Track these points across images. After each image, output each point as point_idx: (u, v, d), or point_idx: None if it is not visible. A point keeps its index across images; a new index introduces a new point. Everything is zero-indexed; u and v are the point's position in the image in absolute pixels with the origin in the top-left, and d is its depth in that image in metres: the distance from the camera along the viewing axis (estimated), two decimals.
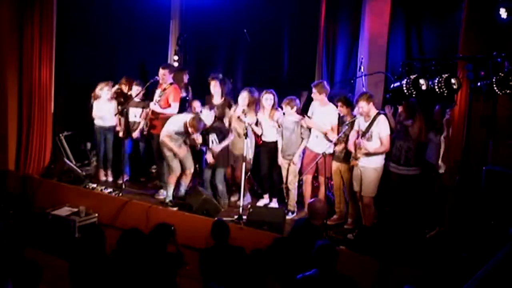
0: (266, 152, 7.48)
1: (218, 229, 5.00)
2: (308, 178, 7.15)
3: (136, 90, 7.97)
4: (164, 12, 9.70)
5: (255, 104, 7.38)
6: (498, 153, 5.60)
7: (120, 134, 8.05)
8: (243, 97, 7.35)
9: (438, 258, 5.62)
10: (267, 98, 7.26)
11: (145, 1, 9.03)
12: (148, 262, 4.46)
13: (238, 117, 7.34)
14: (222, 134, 7.32)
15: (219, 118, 7.45)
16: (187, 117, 7.25)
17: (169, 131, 7.20)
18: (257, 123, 7.41)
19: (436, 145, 6.58)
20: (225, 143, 7.31)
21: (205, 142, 7.33)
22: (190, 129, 7.11)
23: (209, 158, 7.30)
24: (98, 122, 8.22)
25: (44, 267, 3.95)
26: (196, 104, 7.81)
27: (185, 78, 8.52)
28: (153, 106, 7.70)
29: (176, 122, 7.25)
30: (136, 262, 4.36)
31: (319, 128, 7.02)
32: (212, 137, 7.31)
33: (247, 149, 7.01)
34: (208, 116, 7.28)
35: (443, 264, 5.47)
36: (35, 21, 7.79)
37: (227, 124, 7.51)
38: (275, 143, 7.32)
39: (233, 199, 7.69)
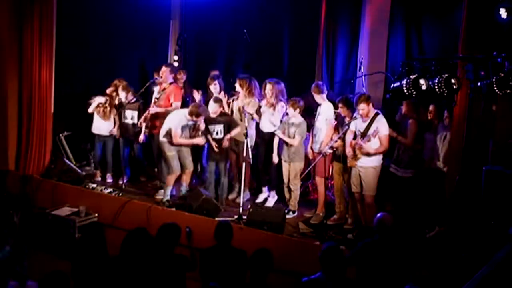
0: (264, 144, 7.46)
1: (222, 231, 5.00)
2: (319, 180, 7.12)
3: (124, 94, 7.98)
4: (164, 12, 9.71)
5: (255, 91, 7.43)
6: (498, 153, 5.60)
7: (115, 133, 8.10)
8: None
9: (438, 258, 5.62)
10: (267, 88, 7.28)
11: (145, 1, 9.04)
12: (155, 263, 4.46)
13: (239, 109, 7.34)
14: (229, 126, 7.33)
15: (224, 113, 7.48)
16: (185, 110, 7.25)
17: (168, 130, 7.18)
18: (257, 112, 7.43)
19: (433, 145, 6.58)
20: (232, 133, 7.30)
21: (209, 132, 7.34)
22: (193, 118, 7.09)
23: (213, 146, 7.29)
24: (96, 130, 8.25)
25: (44, 267, 3.96)
26: (197, 95, 7.84)
27: (182, 77, 8.47)
28: (153, 109, 7.71)
29: (175, 118, 7.21)
30: (142, 262, 4.35)
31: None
32: (218, 128, 7.31)
33: (247, 149, 7.00)
34: (213, 106, 7.27)
35: (443, 264, 5.47)
36: (35, 21, 7.77)
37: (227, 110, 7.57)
38: (273, 133, 7.28)
39: (231, 196, 7.70)
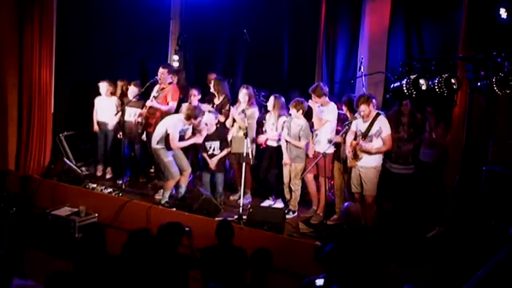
0: (268, 155, 7.54)
1: (223, 229, 5.00)
2: (309, 177, 7.16)
3: (132, 91, 8.00)
4: (164, 12, 9.71)
5: (254, 99, 7.48)
6: (498, 153, 5.60)
7: (112, 124, 8.13)
8: (243, 93, 7.42)
9: (438, 258, 5.62)
10: (270, 101, 7.36)
11: (145, 1, 9.03)
12: (157, 263, 4.46)
13: (242, 111, 7.35)
14: (224, 142, 7.34)
15: (222, 122, 7.47)
16: (180, 115, 7.25)
17: (162, 135, 7.15)
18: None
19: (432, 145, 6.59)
20: (221, 154, 7.32)
21: (204, 149, 7.34)
22: (191, 121, 7.08)
23: (211, 164, 7.30)
24: (99, 117, 8.27)
25: (44, 267, 3.95)
26: (194, 92, 7.84)
27: (175, 79, 8.46)
28: (150, 102, 7.73)
29: (171, 123, 7.18)
30: (144, 263, 4.35)
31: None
32: (214, 144, 7.31)
33: (247, 148, 7.01)
34: (211, 120, 7.27)
35: (443, 264, 5.47)
36: (35, 21, 7.78)
37: (229, 123, 7.55)
38: (276, 147, 7.36)
39: (233, 197, 7.70)
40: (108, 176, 8.34)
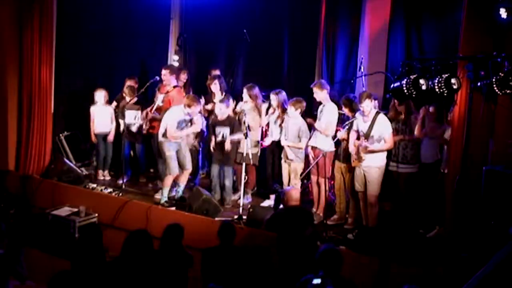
0: (271, 151, 7.57)
1: (225, 230, 5.01)
2: (313, 179, 7.19)
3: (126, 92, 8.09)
4: (164, 12, 9.71)
5: (257, 99, 7.49)
6: (498, 153, 5.60)
7: (110, 139, 8.21)
8: (244, 93, 7.48)
9: (438, 258, 5.62)
10: (271, 99, 7.36)
11: (145, 1, 9.04)
12: (156, 263, 4.46)
13: (242, 111, 7.39)
14: (235, 130, 7.34)
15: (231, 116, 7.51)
16: (181, 106, 7.24)
17: (166, 128, 7.16)
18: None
19: (431, 145, 6.57)
20: (235, 137, 7.31)
21: (214, 133, 7.35)
22: (189, 108, 7.04)
23: (226, 147, 7.31)
24: (96, 128, 8.27)
25: (44, 267, 3.95)
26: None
27: (184, 77, 8.51)
28: (153, 115, 7.73)
29: (170, 113, 7.18)
30: (144, 263, 4.36)
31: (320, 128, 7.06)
32: (224, 131, 7.32)
33: (247, 148, 7.01)
34: (222, 108, 7.29)
35: (443, 264, 5.46)
36: (35, 21, 7.78)
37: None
38: (278, 142, 7.37)
39: (234, 198, 7.71)
40: (107, 178, 8.35)
